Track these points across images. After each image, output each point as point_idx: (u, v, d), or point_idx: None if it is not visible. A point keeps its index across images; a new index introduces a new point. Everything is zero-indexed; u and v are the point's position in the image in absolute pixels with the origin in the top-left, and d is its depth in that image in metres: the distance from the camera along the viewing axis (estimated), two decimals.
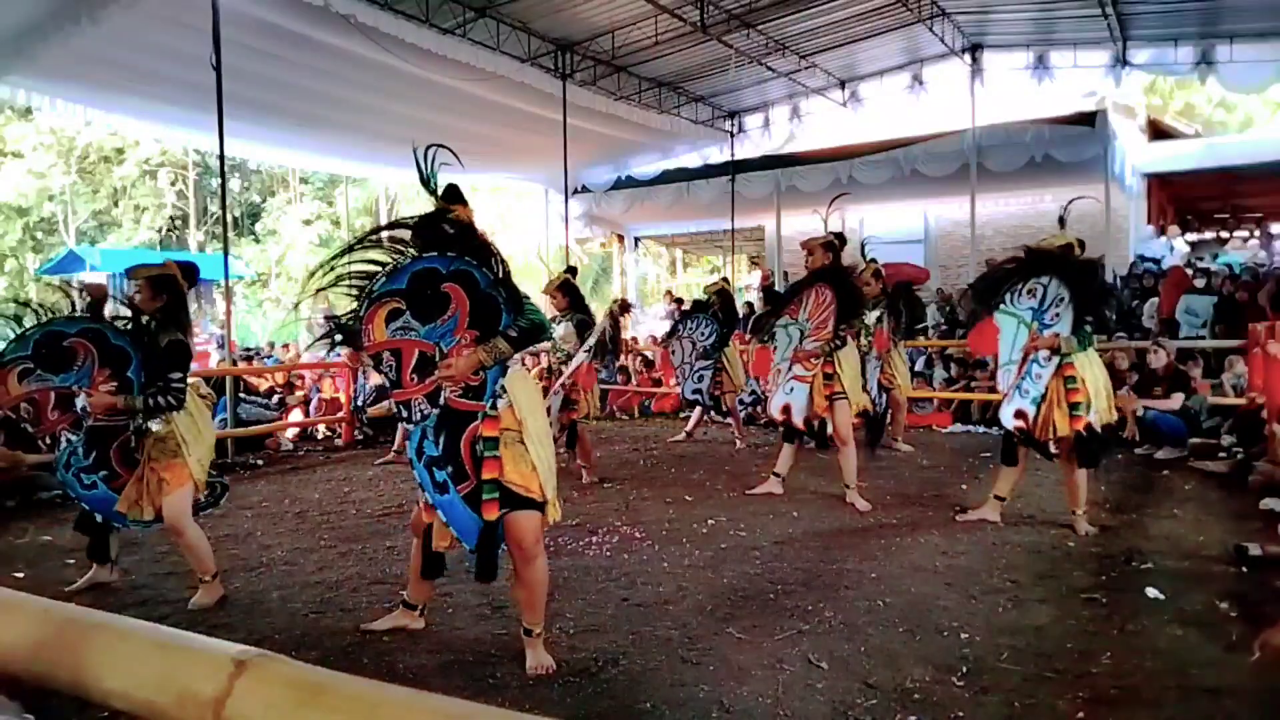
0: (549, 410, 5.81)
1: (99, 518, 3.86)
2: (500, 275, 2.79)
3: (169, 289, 3.77)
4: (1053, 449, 4.60)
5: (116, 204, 25.18)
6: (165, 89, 9.81)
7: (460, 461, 2.82)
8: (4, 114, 22.04)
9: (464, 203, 2.91)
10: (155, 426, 3.73)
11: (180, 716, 1.04)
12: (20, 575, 4.36)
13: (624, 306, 7.17)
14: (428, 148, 2.86)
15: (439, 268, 2.76)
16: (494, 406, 2.83)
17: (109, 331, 3.75)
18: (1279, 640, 2.78)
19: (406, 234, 2.82)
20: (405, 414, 2.86)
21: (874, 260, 7.13)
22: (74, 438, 3.82)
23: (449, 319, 2.78)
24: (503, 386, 2.84)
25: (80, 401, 3.69)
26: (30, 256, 24.62)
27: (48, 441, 3.83)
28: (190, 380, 3.87)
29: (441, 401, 2.82)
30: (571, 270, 6.67)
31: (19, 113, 21.20)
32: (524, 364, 2.91)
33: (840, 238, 5.50)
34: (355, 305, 2.80)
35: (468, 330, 2.78)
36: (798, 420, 5.50)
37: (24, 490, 5.97)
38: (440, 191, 2.90)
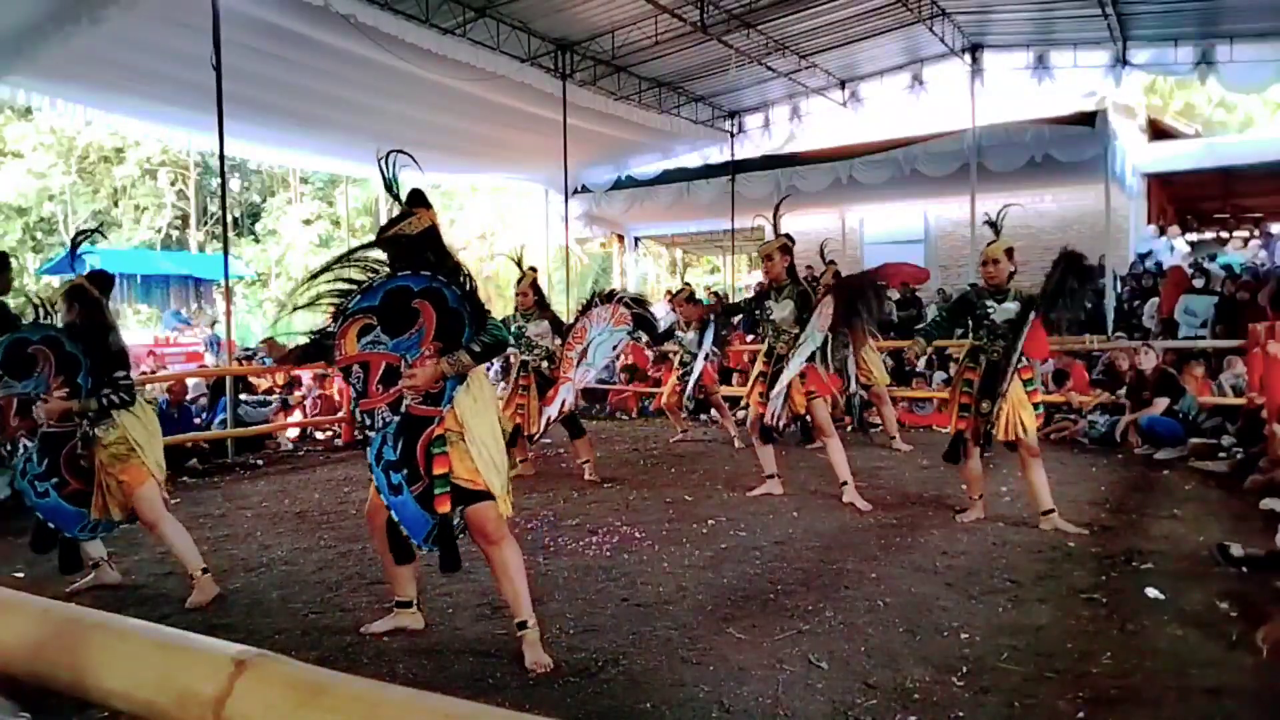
0: (563, 404, 5.83)
1: (51, 525, 3.86)
2: (467, 291, 2.90)
3: (79, 299, 3.83)
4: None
5: (116, 204, 25.21)
6: (165, 89, 9.81)
7: (415, 464, 2.93)
8: (4, 114, 22.05)
9: (427, 206, 3.01)
10: (101, 433, 3.77)
11: (180, 716, 1.04)
12: (20, 575, 4.37)
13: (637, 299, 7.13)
14: (388, 153, 2.94)
15: (411, 286, 2.89)
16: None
17: (64, 339, 3.78)
18: (1277, 634, 2.80)
19: (380, 254, 2.94)
20: (369, 422, 2.96)
21: (833, 263, 7.29)
22: (30, 444, 3.86)
23: (415, 332, 2.90)
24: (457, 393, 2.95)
25: (37, 408, 3.72)
26: (30, 256, 24.64)
27: (8, 448, 3.85)
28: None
29: (403, 409, 2.92)
30: (532, 269, 6.67)
31: (19, 113, 21.21)
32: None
33: (790, 239, 5.60)
34: (331, 322, 2.94)
35: (433, 342, 2.89)
36: (771, 418, 5.52)
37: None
38: (405, 196, 2.99)
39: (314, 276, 2.98)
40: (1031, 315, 4.59)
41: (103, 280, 4.04)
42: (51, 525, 3.86)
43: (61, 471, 3.82)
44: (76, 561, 4.00)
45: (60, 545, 3.94)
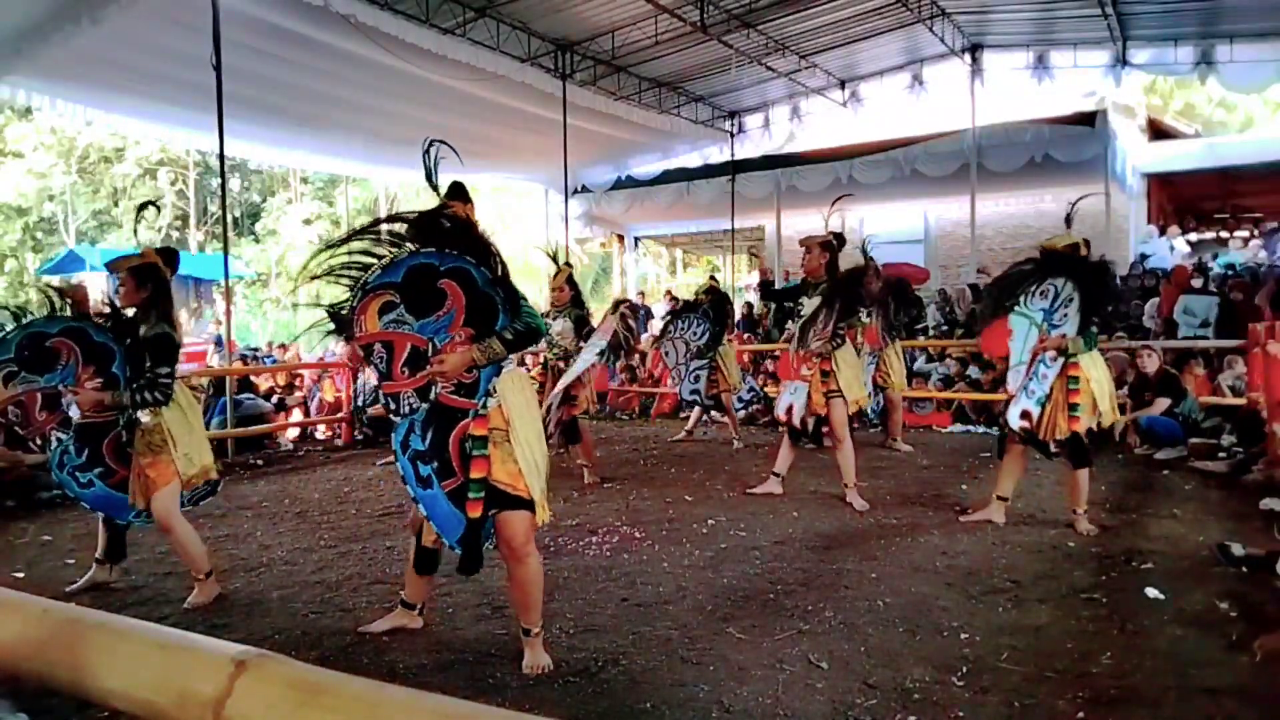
0: (550, 408, 5.83)
1: (100, 516, 3.86)
2: (499, 275, 2.77)
3: (152, 279, 3.71)
4: (1053, 449, 4.63)
5: (116, 204, 25.22)
6: (165, 89, 9.82)
7: (447, 457, 2.82)
8: (4, 114, 22.05)
9: (466, 200, 2.90)
10: (143, 418, 3.69)
11: (180, 716, 1.04)
12: (20, 575, 4.36)
13: (632, 308, 7.16)
14: (430, 143, 2.86)
15: (435, 264, 2.73)
16: (484, 406, 2.83)
17: (90, 329, 3.74)
18: (1273, 644, 2.80)
19: (403, 228, 2.79)
20: (393, 406, 2.84)
21: (873, 259, 7.16)
22: (64, 437, 3.80)
23: (444, 315, 2.76)
24: (494, 386, 2.84)
25: (67, 400, 3.69)
26: (30, 256, 24.65)
27: (38, 442, 3.83)
28: (182, 373, 3.88)
29: (432, 397, 2.81)
30: (568, 265, 6.67)
31: (19, 113, 21.22)
32: (524, 364, 2.86)
33: (839, 238, 5.50)
34: (349, 295, 2.77)
35: (463, 328, 2.78)
36: (796, 420, 5.52)
37: (24, 490, 5.98)
38: (445, 188, 2.90)
39: (332, 246, 2.81)
40: (999, 312, 4.55)
41: (173, 259, 3.84)
42: (102, 515, 3.85)
43: (106, 459, 3.79)
44: (120, 551, 4.02)
45: (108, 534, 3.95)
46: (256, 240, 27.48)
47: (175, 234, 26.75)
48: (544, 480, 2.95)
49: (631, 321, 6.51)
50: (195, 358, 14.87)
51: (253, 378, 9.84)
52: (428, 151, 2.85)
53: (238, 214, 26.47)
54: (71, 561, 4.50)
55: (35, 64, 8.87)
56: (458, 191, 2.92)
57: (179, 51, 8.60)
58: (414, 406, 2.81)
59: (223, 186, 10.05)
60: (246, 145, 12.83)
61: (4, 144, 23.30)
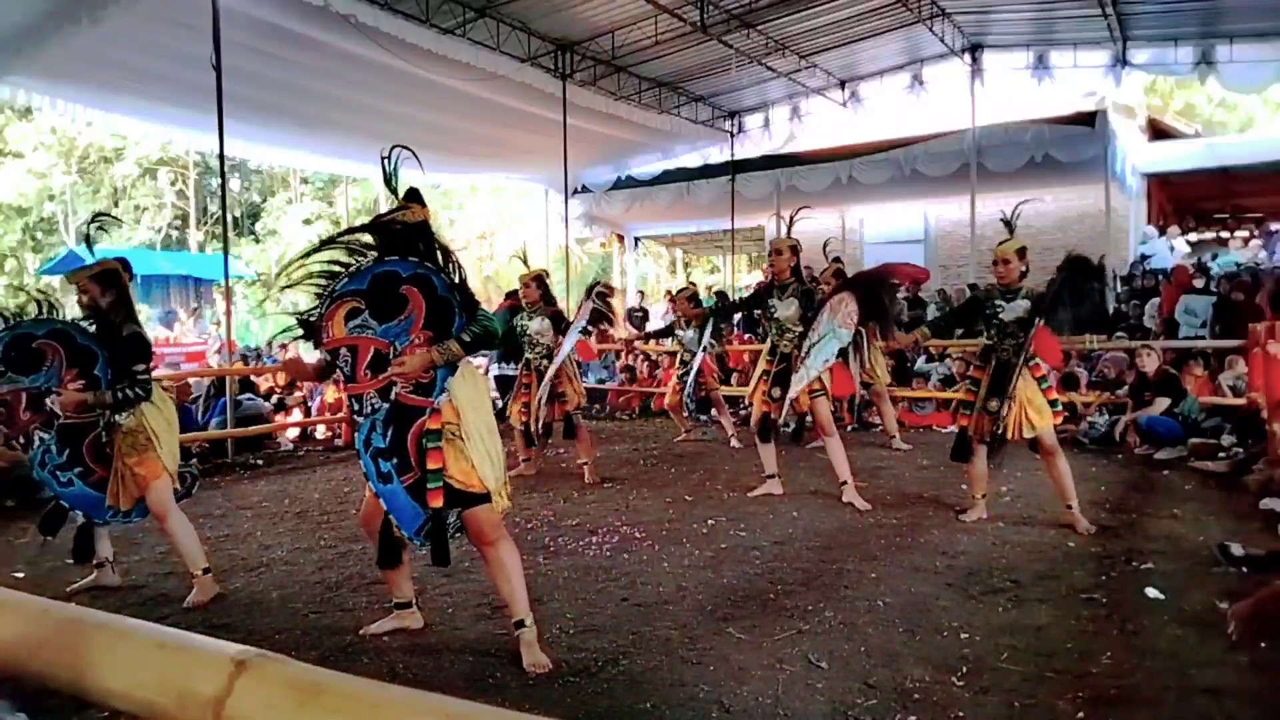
0: (540, 401, 5.88)
1: (79, 515, 3.93)
2: (456, 281, 2.90)
3: (114, 283, 3.86)
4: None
5: (116, 204, 25.21)
6: (165, 89, 9.83)
7: (406, 454, 2.92)
8: (4, 114, 22.05)
9: (422, 204, 3.02)
10: (122, 420, 3.80)
11: (180, 716, 1.04)
12: (20, 575, 4.37)
13: (607, 288, 7.06)
14: (391, 148, 2.96)
15: (399, 271, 2.88)
16: (438, 403, 2.95)
17: (75, 332, 3.81)
18: (1245, 610, 2.82)
19: (369, 238, 2.91)
20: (356, 407, 2.96)
21: (837, 260, 7.25)
22: (46, 436, 3.88)
23: (405, 319, 2.89)
24: (448, 384, 2.95)
25: (51, 401, 3.75)
26: (30, 256, 24.65)
27: (21, 442, 3.89)
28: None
29: (392, 397, 2.92)
30: (545, 273, 6.68)
31: (19, 113, 21.22)
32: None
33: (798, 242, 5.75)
34: (318, 303, 2.91)
35: (422, 331, 2.90)
36: (781, 418, 5.58)
37: (24, 490, 5.97)
38: (401, 192, 3.00)
39: (303, 257, 2.95)
40: (1037, 320, 4.57)
41: (128, 266, 4.04)
42: (80, 513, 3.91)
43: (86, 460, 3.86)
44: (88, 551, 4.04)
45: (76, 532, 3.99)
46: (256, 240, 27.47)
47: (175, 234, 26.77)
48: (500, 469, 3.04)
49: (610, 299, 6.52)
50: (195, 358, 14.89)
51: (253, 378, 9.85)
52: (387, 157, 2.94)
53: (238, 214, 26.46)
54: (71, 561, 4.49)
55: (35, 64, 8.87)
56: (414, 195, 3.03)
57: (179, 51, 8.60)
58: (375, 406, 2.94)
59: (223, 186, 10.06)
60: (246, 145, 12.83)
61: (4, 144, 23.30)
